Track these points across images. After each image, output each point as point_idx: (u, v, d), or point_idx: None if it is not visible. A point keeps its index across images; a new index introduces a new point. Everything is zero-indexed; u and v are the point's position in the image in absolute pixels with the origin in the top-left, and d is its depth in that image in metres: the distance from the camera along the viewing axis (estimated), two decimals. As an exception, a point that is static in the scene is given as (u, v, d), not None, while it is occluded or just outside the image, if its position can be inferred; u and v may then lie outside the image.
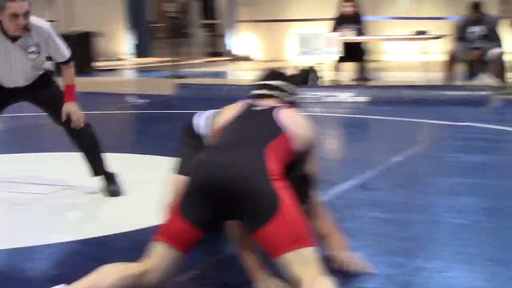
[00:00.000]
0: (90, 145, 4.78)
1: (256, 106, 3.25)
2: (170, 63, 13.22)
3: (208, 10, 25.69)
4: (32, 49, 4.48)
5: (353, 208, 4.29)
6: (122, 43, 18.27)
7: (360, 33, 10.22)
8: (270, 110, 3.18)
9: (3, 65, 4.47)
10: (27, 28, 4.34)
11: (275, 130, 3.08)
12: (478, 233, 3.77)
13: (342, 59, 10.14)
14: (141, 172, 5.46)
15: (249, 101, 3.30)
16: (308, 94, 9.32)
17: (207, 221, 2.90)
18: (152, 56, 18.54)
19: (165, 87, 10.72)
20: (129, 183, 5.06)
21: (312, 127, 3.23)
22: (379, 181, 4.94)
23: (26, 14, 4.29)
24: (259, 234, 2.82)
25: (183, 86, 10.40)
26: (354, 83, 10.50)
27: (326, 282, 2.73)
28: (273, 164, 2.94)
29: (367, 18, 11.05)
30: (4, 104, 4.73)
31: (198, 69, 15.07)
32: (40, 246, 3.69)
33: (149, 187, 4.86)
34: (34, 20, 4.44)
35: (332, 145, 6.81)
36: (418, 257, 3.38)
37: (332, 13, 10.64)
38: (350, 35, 10.09)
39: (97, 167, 4.78)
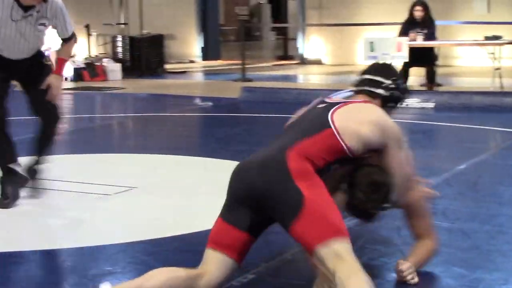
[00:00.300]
0: (48, 132, 4.66)
1: (324, 102, 3.17)
2: (238, 66, 13.29)
3: (279, 13, 25.81)
4: (43, 21, 4.44)
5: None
6: (193, 46, 18.46)
7: (430, 37, 10.06)
8: (329, 106, 3.10)
9: (13, 35, 4.38)
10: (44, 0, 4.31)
11: (319, 126, 3.01)
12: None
13: (410, 64, 10.00)
14: (202, 175, 5.50)
15: (324, 97, 3.26)
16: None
17: (251, 225, 2.92)
18: (221, 59, 18.68)
19: (232, 90, 10.79)
20: (192, 185, 5.11)
21: (384, 125, 3.04)
22: (443, 189, 4.84)
23: None
24: (291, 233, 2.84)
25: (250, 89, 10.44)
26: (422, 88, 10.35)
27: (359, 281, 2.66)
28: (300, 162, 2.88)
29: (439, 22, 10.86)
30: (9, 79, 4.59)
31: (267, 72, 15.10)
32: (103, 246, 3.76)
33: (210, 190, 4.90)
34: None
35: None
36: (479, 268, 3.31)
37: (403, 17, 10.50)
38: (419, 40, 9.94)
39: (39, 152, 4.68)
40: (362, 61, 11.25)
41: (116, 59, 14.34)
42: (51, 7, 4.42)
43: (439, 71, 10.79)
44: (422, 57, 10.04)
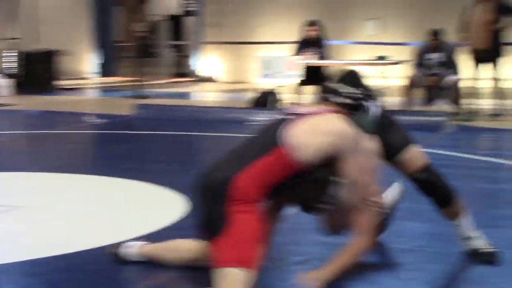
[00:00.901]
0: None
1: (283, 116, 3.24)
2: (135, 83, 13.21)
3: (177, 31, 25.79)
4: None
5: (301, 230, 4.31)
6: (87, 62, 18.23)
7: (322, 57, 10.31)
8: (283, 121, 3.16)
9: None
10: None
11: (269, 145, 3.10)
12: (420, 257, 3.83)
13: (303, 83, 10.22)
14: (92, 193, 5.44)
15: (288, 109, 3.33)
16: (265, 116, 9.35)
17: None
18: (117, 75, 18.51)
19: (126, 107, 10.70)
20: (81, 203, 5.04)
21: (341, 134, 3.11)
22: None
23: None
24: (210, 243, 3.08)
25: (143, 106, 10.39)
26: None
27: None
28: (246, 185, 3.02)
29: (331, 42, 11.16)
30: None
31: (164, 89, 15.08)
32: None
33: (99, 208, 4.84)
34: None
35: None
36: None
37: (297, 36, 10.73)
38: (312, 59, 10.17)
39: None
40: (257, 79, 11.43)
41: (7, 74, 13.97)
42: None
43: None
44: (316, 76, 10.27)
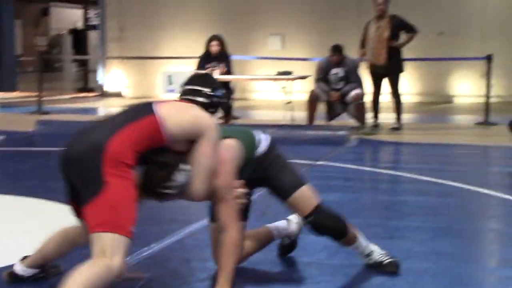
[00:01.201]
0: None
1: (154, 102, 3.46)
2: (36, 98, 12.90)
3: (80, 45, 25.38)
4: None
5: (203, 247, 4.31)
6: (-13, 77, 17.68)
7: (225, 71, 10.36)
8: (154, 102, 3.39)
9: None
10: None
11: (143, 112, 3.30)
12: (321, 269, 3.89)
13: (207, 98, 10.23)
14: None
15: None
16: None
17: (73, 195, 3.29)
18: (18, 90, 18.03)
19: (27, 123, 10.43)
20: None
21: (203, 119, 3.37)
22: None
23: None
24: (84, 211, 3.14)
25: (45, 122, 10.16)
26: (219, 121, 10.61)
27: (84, 276, 2.94)
28: (118, 151, 3.14)
29: (235, 57, 11.24)
30: None
31: (67, 105, 14.78)
32: None
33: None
34: None
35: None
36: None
37: (201, 51, 10.75)
38: (215, 74, 10.21)
39: None
40: (162, 94, 11.36)
41: None
42: None
43: (236, 104, 11.12)
44: (219, 91, 10.30)
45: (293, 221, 4.11)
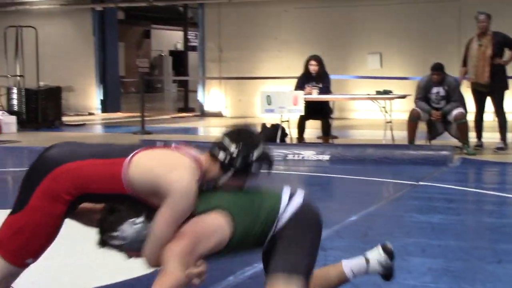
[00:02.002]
0: None
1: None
2: (138, 119, 13.25)
3: (180, 66, 25.98)
4: None
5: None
6: (92, 98, 18.32)
7: (324, 91, 10.35)
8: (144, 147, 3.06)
9: None
10: None
11: (117, 155, 2.97)
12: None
13: (306, 117, 10.25)
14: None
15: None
16: (274, 151, 9.39)
17: None
18: (122, 111, 18.58)
19: (130, 143, 10.72)
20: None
21: (170, 179, 2.87)
22: (334, 241, 4.96)
23: None
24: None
25: (148, 142, 10.40)
26: (318, 140, 10.59)
27: None
28: (65, 175, 2.93)
29: (333, 76, 11.20)
30: None
31: (167, 124, 15.12)
32: None
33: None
34: None
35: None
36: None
37: (299, 72, 10.78)
38: (314, 93, 10.21)
39: None
40: (260, 114, 11.45)
41: (11, 111, 14.03)
42: None
43: (335, 123, 11.08)
44: (318, 110, 10.30)
45: (373, 259, 3.46)
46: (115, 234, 2.93)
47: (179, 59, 27.44)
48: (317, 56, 10.57)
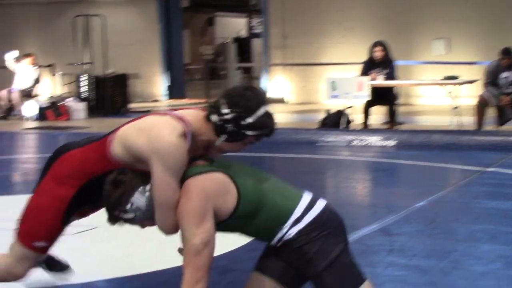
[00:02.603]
0: None
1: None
2: (202, 105, 13.37)
3: (244, 53, 26.05)
4: None
5: (371, 253, 4.29)
6: (158, 85, 18.54)
7: (390, 77, 10.25)
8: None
9: None
10: None
11: (107, 134, 2.97)
12: (497, 280, 3.75)
13: (371, 103, 10.18)
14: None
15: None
16: (338, 138, 9.39)
17: None
18: (187, 98, 18.77)
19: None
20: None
21: (154, 136, 2.74)
22: (401, 227, 4.94)
23: None
24: None
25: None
26: (383, 127, 10.51)
27: None
28: (69, 161, 3.00)
29: (399, 62, 11.08)
30: None
31: (231, 111, 15.19)
32: (64, 286, 3.75)
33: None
34: None
35: (356, 189, 6.81)
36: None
37: (364, 57, 10.71)
38: (379, 79, 10.13)
39: None
40: (325, 100, 11.42)
41: (80, 98, 14.34)
42: None
43: (400, 109, 10.97)
44: (383, 96, 10.22)
45: None
46: (126, 207, 2.79)
47: (243, 46, 27.50)
48: (382, 42, 10.47)
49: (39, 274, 3.69)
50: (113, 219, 2.85)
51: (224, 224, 2.76)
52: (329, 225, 2.82)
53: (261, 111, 2.83)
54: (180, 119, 2.81)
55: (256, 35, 23.29)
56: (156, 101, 18.01)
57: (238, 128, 2.79)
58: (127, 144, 2.83)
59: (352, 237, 4.61)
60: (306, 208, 2.80)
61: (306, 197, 2.85)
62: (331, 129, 9.94)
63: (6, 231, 4.00)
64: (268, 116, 2.86)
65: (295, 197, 2.84)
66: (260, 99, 2.87)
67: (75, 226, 4.92)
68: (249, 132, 2.81)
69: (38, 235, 3.05)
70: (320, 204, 2.85)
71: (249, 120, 2.79)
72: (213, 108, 2.81)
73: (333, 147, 9.17)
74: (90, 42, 15.33)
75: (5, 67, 14.64)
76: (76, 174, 2.97)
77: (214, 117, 2.79)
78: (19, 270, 3.09)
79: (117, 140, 2.87)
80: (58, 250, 4.47)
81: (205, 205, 2.69)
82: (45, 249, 3.11)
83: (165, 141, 2.72)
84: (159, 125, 2.78)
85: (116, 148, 2.87)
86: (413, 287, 3.65)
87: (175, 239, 2.84)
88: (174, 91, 18.53)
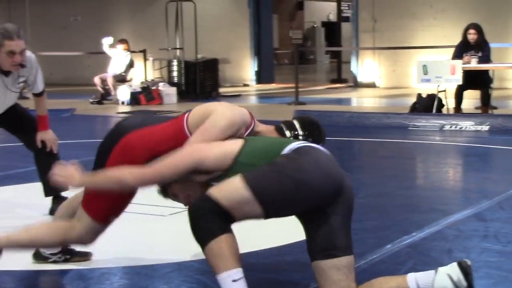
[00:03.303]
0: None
1: None
2: (292, 90, 13.40)
3: (333, 37, 25.88)
4: (21, 80, 4.73)
5: (465, 238, 4.24)
6: (247, 70, 18.69)
7: (484, 60, 10.01)
8: None
9: (1, 94, 4.69)
10: (22, 65, 4.53)
11: (179, 114, 3.41)
12: None
13: (464, 87, 9.97)
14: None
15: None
16: (430, 122, 9.27)
17: None
18: (275, 82, 18.84)
19: (285, 113, 10.86)
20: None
21: (216, 110, 3.27)
22: (495, 212, 4.85)
23: (22, 52, 4.50)
24: None
25: (302, 112, 10.51)
26: (477, 111, 10.29)
27: (50, 225, 3.55)
28: (135, 140, 3.30)
29: (493, 45, 10.80)
30: None
31: (320, 95, 15.19)
32: (159, 265, 3.86)
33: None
34: (29, 55, 4.63)
35: (449, 174, 6.71)
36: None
37: (456, 40, 10.49)
38: (473, 63, 9.91)
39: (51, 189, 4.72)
40: (416, 84, 11.26)
41: (171, 83, 14.60)
42: (29, 68, 4.69)
43: (494, 93, 10.71)
44: (477, 80, 10.00)
45: (442, 271, 2.86)
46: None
47: (332, 30, 27.33)
48: (477, 24, 10.23)
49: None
50: (163, 192, 3.26)
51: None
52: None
53: (322, 143, 3.35)
54: (252, 118, 3.38)
55: (345, 19, 23.09)
56: (245, 85, 18.17)
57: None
58: (203, 113, 3.27)
59: (445, 222, 4.58)
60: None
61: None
62: (422, 114, 9.82)
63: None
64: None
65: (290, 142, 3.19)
66: (324, 135, 3.49)
67: (171, 208, 5.07)
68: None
69: (107, 210, 3.36)
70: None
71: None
72: (288, 126, 3.43)
73: (424, 131, 9.06)
74: (182, 27, 15.58)
75: (100, 53, 15.06)
76: (144, 152, 3.25)
77: (287, 133, 3.41)
78: (88, 239, 3.43)
79: (195, 111, 3.32)
80: (156, 229, 4.61)
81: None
82: (112, 221, 3.43)
83: (228, 111, 3.26)
84: (233, 108, 3.33)
85: (192, 117, 3.30)
86: (507, 274, 3.58)
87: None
88: (263, 76, 18.63)
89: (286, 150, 2.98)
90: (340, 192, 2.93)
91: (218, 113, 3.23)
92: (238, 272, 2.83)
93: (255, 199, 2.84)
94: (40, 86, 4.86)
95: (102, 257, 3.97)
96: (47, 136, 4.89)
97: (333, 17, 29.70)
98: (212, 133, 3.17)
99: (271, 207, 2.87)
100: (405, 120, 9.55)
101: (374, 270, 3.61)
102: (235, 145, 3.06)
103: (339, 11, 21.22)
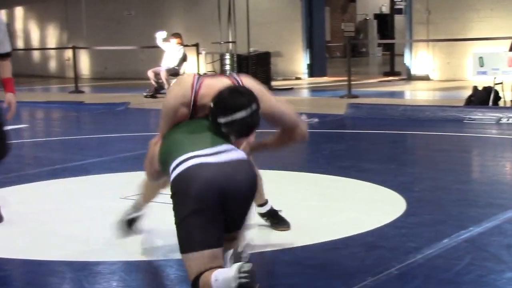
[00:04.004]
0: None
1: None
2: (344, 83, 13.30)
3: (385, 29, 25.60)
4: None
5: (524, 233, 4.15)
6: (299, 63, 18.63)
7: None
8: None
9: None
10: None
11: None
12: None
13: (522, 79, 9.77)
14: (308, 190, 5.57)
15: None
16: (487, 115, 9.09)
17: None
18: (327, 75, 18.74)
19: (338, 106, 10.82)
20: (299, 200, 5.18)
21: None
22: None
23: None
24: None
25: (355, 105, 10.43)
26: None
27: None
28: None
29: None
30: None
31: (373, 88, 15.04)
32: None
33: (315, 204, 4.96)
34: None
35: (507, 168, 6.57)
36: None
37: (513, 31, 10.29)
38: (530, 55, 9.70)
39: None
40: (471, 77, 11.07)
41: (225, 76, 14.63)
42: None
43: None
44: (535, 72, 9.78)
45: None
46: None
47: (384, 22, 27.05)
48: (535, 15, 10.00)
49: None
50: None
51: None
52: (180, 187, 3.12)
53: (235, 113, 3.28)
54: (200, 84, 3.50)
55: (398, 11, 22.81)
56: (298, 78, 18.11)
57: (216, 122, 3.32)
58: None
59: (504, 216, 4.49)
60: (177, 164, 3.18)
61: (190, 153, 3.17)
62: (478, 107, 9.64)
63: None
64: (244, 117, 3.30)
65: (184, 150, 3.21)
66: (238, 102, 3.29)
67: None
68: (224, 129, 3.30)
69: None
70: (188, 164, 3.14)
71: (223, 120, 3.28)
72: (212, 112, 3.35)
73: (480, 124, 8.90)
74: (234, 21, 15.60)
75: (153, 47, 15.19)
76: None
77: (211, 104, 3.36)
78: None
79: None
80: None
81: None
82: None
83: (168, 98, 3.59)
84: (178, 82, 3.65)
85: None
86: None
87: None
88: (315, 69, 18.54)
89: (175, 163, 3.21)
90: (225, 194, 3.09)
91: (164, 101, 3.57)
92: None
93: None
94: (7, 47, 4.82)
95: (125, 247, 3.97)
96: (14, 100, 4.83)
97: (385, 9, 29.38)
98: (161, 123, 3.54)
99: None
100: (460, 113, 9.39)
101: (431, 265, 3.55)
102: (157, 146, 3.50)
103: (392, 3, 20.97)
